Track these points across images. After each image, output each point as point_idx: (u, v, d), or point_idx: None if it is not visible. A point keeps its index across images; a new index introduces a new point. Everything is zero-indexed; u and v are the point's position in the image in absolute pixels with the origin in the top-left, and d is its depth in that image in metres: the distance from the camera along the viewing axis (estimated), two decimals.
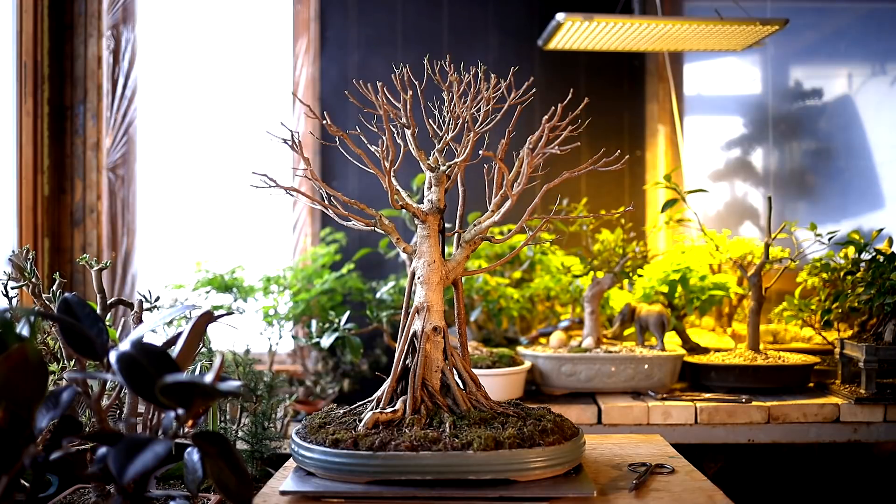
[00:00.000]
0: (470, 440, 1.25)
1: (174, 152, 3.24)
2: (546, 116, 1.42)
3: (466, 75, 1.45)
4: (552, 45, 2.81)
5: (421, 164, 1.46)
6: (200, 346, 1.23)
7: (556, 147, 1.41)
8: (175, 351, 1.02)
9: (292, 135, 1.44)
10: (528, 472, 1.25)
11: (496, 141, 1.48)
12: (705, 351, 2.53)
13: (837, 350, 2.34)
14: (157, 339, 1.07)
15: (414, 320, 1.42)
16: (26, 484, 1.08)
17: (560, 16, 2.55)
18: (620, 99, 3.27)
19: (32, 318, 0.93)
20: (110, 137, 3.03)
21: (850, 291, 2.33)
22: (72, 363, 1.37)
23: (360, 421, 1.34)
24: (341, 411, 1.44)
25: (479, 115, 1.44)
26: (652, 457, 1.49)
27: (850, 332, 2.44)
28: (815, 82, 3.23)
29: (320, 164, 3.20)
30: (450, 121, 1.46)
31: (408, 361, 1.41)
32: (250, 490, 0.89)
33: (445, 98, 1.47)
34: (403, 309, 1.44)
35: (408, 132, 1.47)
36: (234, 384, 0.90)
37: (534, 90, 1.45)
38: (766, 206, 2.53)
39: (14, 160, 2.76)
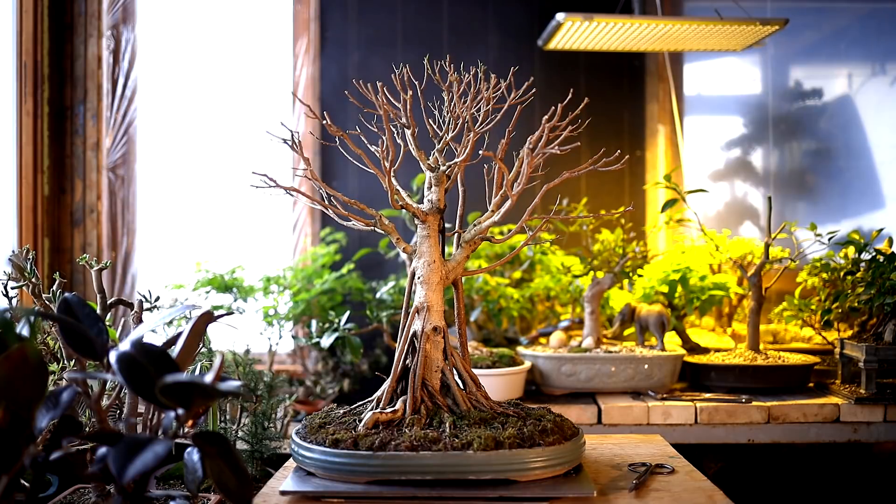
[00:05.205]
0: (470, 440, 1.25)
1: (174, 152, 3.24)
2: (546, 116, 1.42)
3: (466, 75, 1.45)
4: (552, 45, 2.81)
5: (421, 164, 1.46)
6: (200, 346, 1.24)
7: (556, 147, 1.41)
8: (175, 351, 1.02)
9: (292, 135, 1.44)
10: (528, 472, 1.25)
11: (496, 141, 1.48)
12: (705, 351, 2.53)
13: (837, 350, 2.34)
14: (157, 339, 1.07)
15: (414, 320, 1.42)
16: (26, 484, 1.08)
17: (560, 16, 2.55)
18: (620, 99, 3.27)
19: (32, 318, 0.93)
20: (110, 137, 3.03)
21: (850, 291, 2.33)
22: (72, 363, 1.37)
23: (360, 421, 1.34)
24: (341, 411, 1.44)
25: (479, 115, 1.44)
26: (652, 457, 1.49)
27: (850, 332, 2.44)
28: (815, 82, 3.23)
29: (320, 164, 3.20)
30: (450, 121, 1.46)
31: (408, 361, 1.41)
32: (250, 490, 0.89)
33: (445, 98, 1.47)
34: (403, 309, 1.44)
35: (408, 132, 1.47)
36: (234, 384, 0.90)
37: (534, 90, 1.45)
38: (766, 206, 2.53)
39: (14, 160, 2.76)
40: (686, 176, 3.23)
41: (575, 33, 2.66)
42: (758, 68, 3.30)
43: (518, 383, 2.22)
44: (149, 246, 3.18)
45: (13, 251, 1.46)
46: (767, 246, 2.42)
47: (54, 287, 1.45)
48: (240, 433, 1.79)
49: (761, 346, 2.44)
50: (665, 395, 2.27)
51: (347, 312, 2.31)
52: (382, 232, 1.44)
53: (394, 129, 1.48)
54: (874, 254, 2.30)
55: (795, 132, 3.25)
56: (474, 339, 2.56)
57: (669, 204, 2.53)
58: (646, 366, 2.28)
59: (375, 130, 1.50)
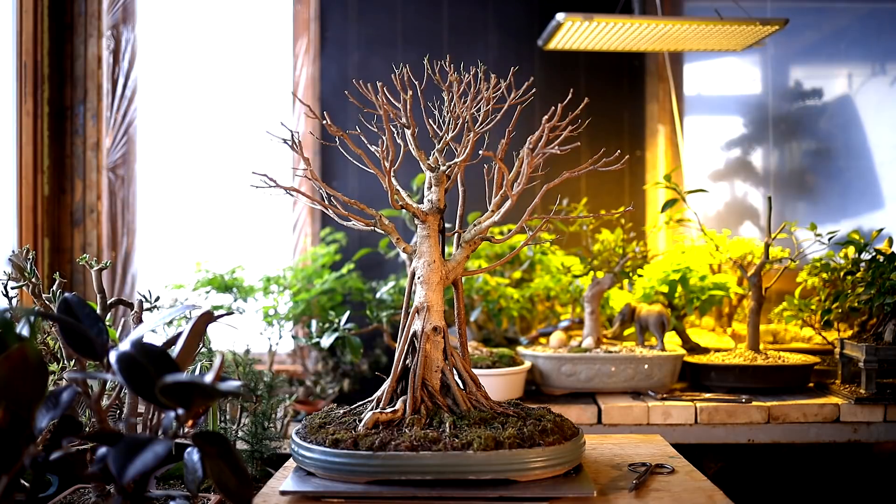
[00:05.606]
0: (470, 440, 1.25)
1: (174, 152, 3.24)
2: (546, 116, 1.42)
3: (466, 75, 1.45)
4: (552, 45, 2.81)
5: (421, 164, 1.46)
6: (200, 346, 1.24)
7: (556, 147, 1.41)
8: (175, 351, 1.02)
9: (292, 135, 1.44)
10: (528, 472, 1.25)
11: (496, 141, 1.48)
12: (705, 351, 2.53)
13: (837, 350, 2.34)
14: (157, 339, 1.07)
15: (414, 320, 1.42)
16: (26, 484, 1.08)
17: (560, 16, 2.55)
18: (620, 99, 3.27)
19: (32, 318, 0.93)
20: (110, 137, 3.03)
21: (850, 291, 2.33)
22: (72, 363, 1.37)
23: (360, 421, 1.34)
24: (341, 411, 1.44)
25: (479, 115, 1.44)
26: (652, 457, 1.49)
27: (850, 332, 2.44)
28: (815, 82, 3.23)
29: (320, 164, 3.20)
30: (450, 121, 1.46)
31: (408, 361, 1.41)
32: (250, 490, 0.89)
33: (445, 98, 1.47)
34: (403, 309, 1.44)
35: (408, 132, 1.47)
36: (234, 384, 0.90)
37: (534, 90, 1.45)
38: (766, 206, 2.53)
39: (14, 160, 2.76)
40: (686, 176, 3.23)
41: (575, 33, 2.66)
42: (758, 68, 3.30)
43: (518, 383, 2.22)
44: (149, 246, 3.18)
45: (13, 251, 1.46)
46: (767, 246, 2.42)
47: (54, 287, 1.45)
48: (240, 433, 1.79)
49: (761, 346, 2.44)
50: (665, 395, 2.27)
51: (347, 312, 2.31)
52: (382, 232, 1.44)
53: (394, 129, 1.48)
54: (874, 254, 2.30)
55: (795, 132, 3.25)
56: (474, 339, 2.56)
57: (669, 204, 2.53)
58: (646, 366, 2.28)
59: (375, 130, 1.50)
